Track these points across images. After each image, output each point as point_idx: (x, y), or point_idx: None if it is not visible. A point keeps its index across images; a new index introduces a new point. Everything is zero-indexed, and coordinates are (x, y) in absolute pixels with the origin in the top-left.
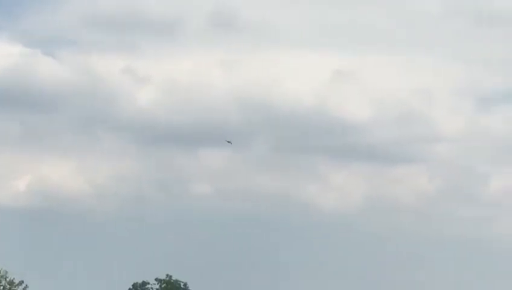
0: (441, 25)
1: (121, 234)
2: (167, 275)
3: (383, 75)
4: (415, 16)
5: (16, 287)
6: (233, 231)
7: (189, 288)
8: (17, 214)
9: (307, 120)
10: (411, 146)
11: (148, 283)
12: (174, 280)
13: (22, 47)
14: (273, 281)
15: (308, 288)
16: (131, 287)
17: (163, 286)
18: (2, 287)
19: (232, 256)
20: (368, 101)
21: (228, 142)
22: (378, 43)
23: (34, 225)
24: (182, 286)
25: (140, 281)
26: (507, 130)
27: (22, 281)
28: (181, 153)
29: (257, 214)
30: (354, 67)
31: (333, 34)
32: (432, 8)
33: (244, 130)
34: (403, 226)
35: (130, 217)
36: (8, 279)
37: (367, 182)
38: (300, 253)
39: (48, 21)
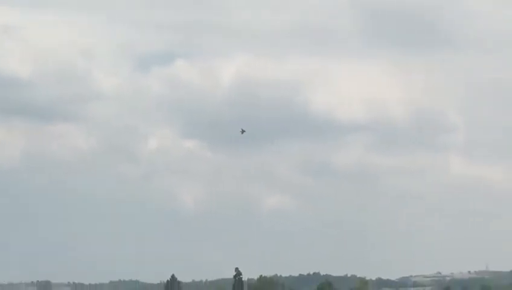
0: None
1: None
2: None
3: (47, 33)
4: None
5: None
6: None
7: None
8: None
9: None
10: (71, 104)
11: None
12: None
13: None
14: None
15: None
16: None
17: None
18: None
19: None
20: (30, 58)
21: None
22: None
23: None
24: None
25: None
26: (163, 91)
27: None
28: None
29: None
30: (20, 24)
31: None
32: None
33: None
34: (66, 183)
35: None
36: None
37: (26, 139)
38: None
39: None
